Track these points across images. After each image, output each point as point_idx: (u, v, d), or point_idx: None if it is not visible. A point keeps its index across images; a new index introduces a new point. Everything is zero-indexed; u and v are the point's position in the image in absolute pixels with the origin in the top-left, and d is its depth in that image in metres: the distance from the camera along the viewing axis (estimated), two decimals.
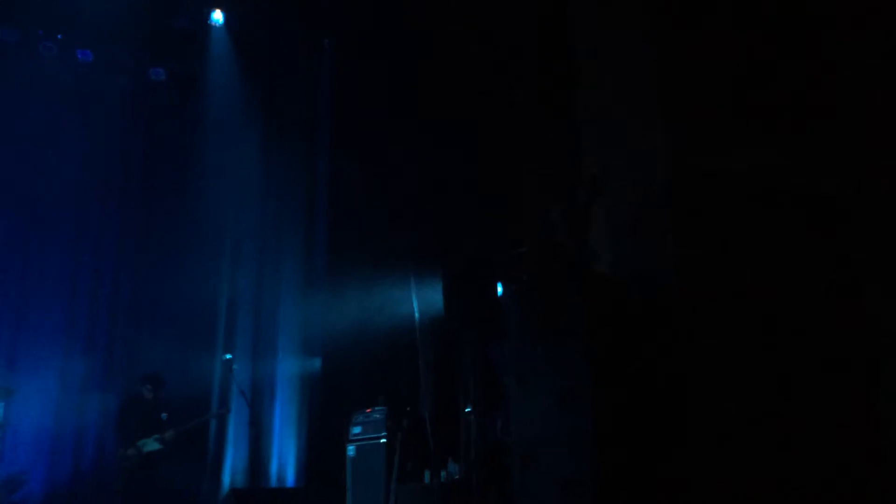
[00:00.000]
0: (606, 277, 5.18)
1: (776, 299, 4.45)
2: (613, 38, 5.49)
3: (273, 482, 9.39)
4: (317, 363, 9.64)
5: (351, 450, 7.83)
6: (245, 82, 10.21)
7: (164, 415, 8.10)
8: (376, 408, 7.89)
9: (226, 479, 9.37)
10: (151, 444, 7.89)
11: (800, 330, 4.39)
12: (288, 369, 9.84)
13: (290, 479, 9.49)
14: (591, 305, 4.95)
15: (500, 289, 6.26)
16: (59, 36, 9.56)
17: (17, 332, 9.00)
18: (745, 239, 4.57)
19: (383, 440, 7.60)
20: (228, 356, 8.25)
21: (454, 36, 8.12)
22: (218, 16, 10.01)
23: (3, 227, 9.15)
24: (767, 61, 4.79)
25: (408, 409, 7.88)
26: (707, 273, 4.53)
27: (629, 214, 5.11)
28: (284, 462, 9.54)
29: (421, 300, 8.65)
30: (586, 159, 5.52)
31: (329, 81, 10.30)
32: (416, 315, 8.70)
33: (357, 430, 7.87)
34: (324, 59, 10.36)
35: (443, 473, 7.11)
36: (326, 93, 10.33)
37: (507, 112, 7.27)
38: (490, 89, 7.55)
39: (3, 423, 7.98)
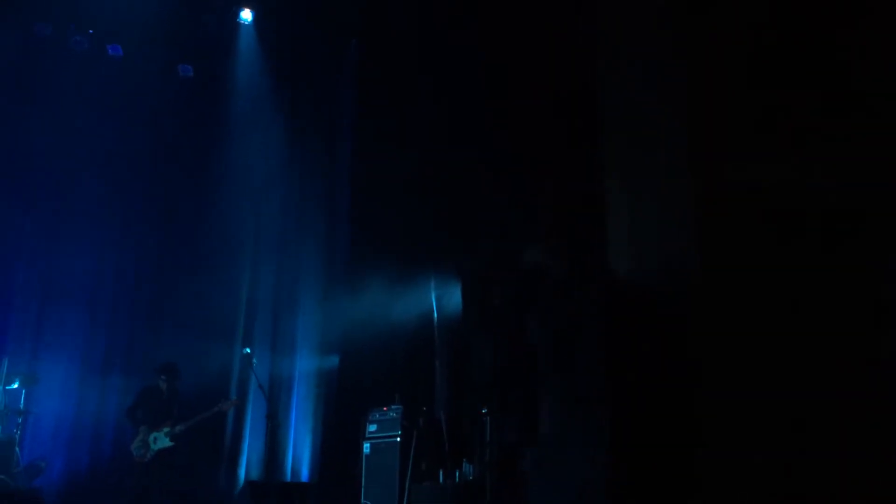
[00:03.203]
0: (626, 281, 5.19)
1: (797, 309, 4.44)
2: (640, 42, 5.50)
3: (288, 476, 9.46)
4: (334, 360, 9.70)
5: (366, 447, 7.88)
6: (271, 80, 10.32)
7: (176, 409, 8.11)
8: (392, 406, 7.93)
9: (241, 473, 9.44)
10: (163, 441, 7.89)
11: (822, 339, 4.37)
12: (306, 366, 9.91)
13: (304, 473, 9.56)
14: (609, 308, 4.97)
15: (517, 291, 6.28)
16: (90, 31, 9.71)
17: (40, 322, 9.13)
18: (768, 249, 4.56)
19: (398, 439, 7.64)
20: (247, 350, 8.27)
21: (478, 36, 8.16)
22: (247, 14, 10.15)
23: (29, 220, 9.29)
24: (796, 73, 4.78)
25: (424, 408, 7.91)
26: (729, 281, 4.53)
27: (653, 221, 5.12)
28: (299, 457, 9.60)
29: (440, 301, 8.69)
30: (610, 168, 5.53)
31: (353, 81, 10.37)
32: (435, 316, 8.74)
33: (373, 427, 7.92)
34: (348, 59, 10.44)
35: (457, 474, 7.14)
36: (350, 93, 10.40)
37: (531, 115, 7.29)
38: (513, 91, 7.57)
39: (25, 411, 8.10)
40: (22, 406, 8.13)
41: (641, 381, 4.85)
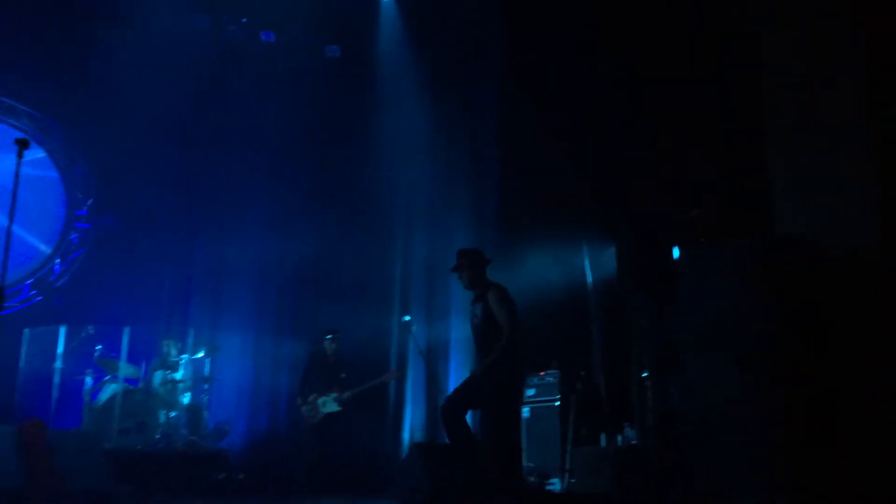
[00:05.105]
0: (796, 237, 4.97)
1: None
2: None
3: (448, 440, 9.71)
4: None
5: (525, 411, 7.98)
6: (414, 55, 10.46)
7: (343, 374, 8.53)
8: (549, 371, 7.99)
9: (405, 436, 9.82)
10: (331, 405, 8.32)
11: None
12: (461, 332, 10.10)
13: None
14: (778, 267, 4.77)
15: (675, 252, 6.14)
16: (243, 20, 10.21)
17: (218, 296, 9.83)
18: None
19: (557, 403, 7.71)
20: (407, 318, 8.50)
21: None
22: None
23: (199, 202, 9.97)
24: None
25: (582, 373, 7.92)
26: None
27: (822, 184, 4.86)
28: None
29: (594, 265, 8.62)
30: (772, 132, 5.27)
31: (496, 52, 10.31)
32: (589, 280, 8.68)
33: (531, 392, 8.01)
34: (491, 29, 10.39)
35: (619, 438, 7.13)
36: (494, 63, 10.35)
37: (684, 72, 7.03)
38: (668, 51, 7.31)
39: (210, 378, 8.80)
40: (207, 373, 8.83)
41: (815, 341, 4.66)
